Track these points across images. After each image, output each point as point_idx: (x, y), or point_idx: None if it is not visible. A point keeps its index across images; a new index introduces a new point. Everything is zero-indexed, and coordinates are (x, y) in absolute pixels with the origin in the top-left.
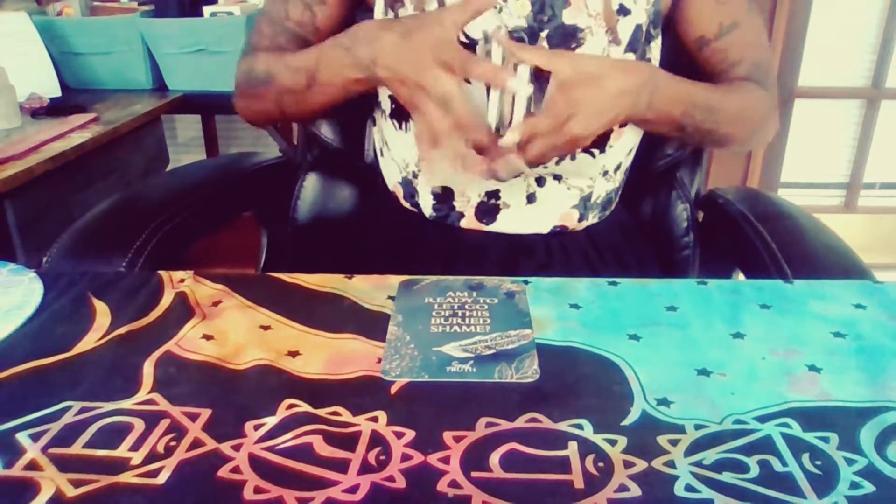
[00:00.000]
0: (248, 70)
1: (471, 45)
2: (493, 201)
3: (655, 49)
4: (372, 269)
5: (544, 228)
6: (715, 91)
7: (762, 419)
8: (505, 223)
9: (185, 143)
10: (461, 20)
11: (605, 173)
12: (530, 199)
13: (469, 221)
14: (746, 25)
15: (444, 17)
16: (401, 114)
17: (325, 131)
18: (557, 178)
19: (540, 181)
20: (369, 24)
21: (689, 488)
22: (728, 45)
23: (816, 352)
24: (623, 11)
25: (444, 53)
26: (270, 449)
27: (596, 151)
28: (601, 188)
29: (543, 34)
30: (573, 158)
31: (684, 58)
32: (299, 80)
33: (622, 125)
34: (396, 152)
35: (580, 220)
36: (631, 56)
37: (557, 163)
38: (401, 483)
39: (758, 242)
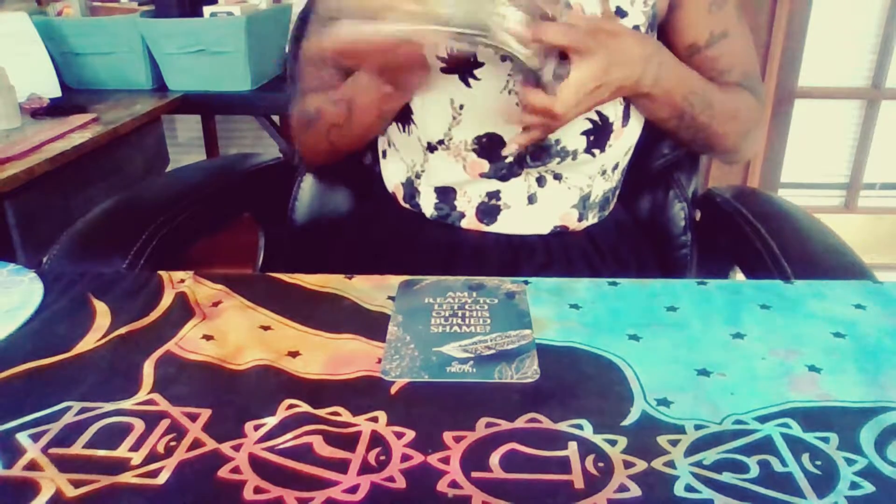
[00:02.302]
0: (301, 111)
1: None
2: (493, 201)
3: None
4: (371, 269)
5: (545, 229)
6: (712, 86)
7: (762, 419)
8: (505, 223)
9: (185, 144)
10: None
11: (604, 173)
12: (531, 199)
13: (469, 221)
14: (736, 35)
15: None
16: (402, 116)
17: None
18: (557, 177)
19: (540, 181)
20: None
21: (689, 488)
22: (719, 53)
23: (816, 352)
24: (620, 13)
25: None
26: (270, 449)
27: (596, 151)
28: (599, 188)
29: None
30: (574, 158)
31: None
32: (341, 111)
33: (626, 112)
34: (405, 153)
35: (580, 219)
36: None
37: (559, 162)
38: (401, 483)
39: (757, 242)
